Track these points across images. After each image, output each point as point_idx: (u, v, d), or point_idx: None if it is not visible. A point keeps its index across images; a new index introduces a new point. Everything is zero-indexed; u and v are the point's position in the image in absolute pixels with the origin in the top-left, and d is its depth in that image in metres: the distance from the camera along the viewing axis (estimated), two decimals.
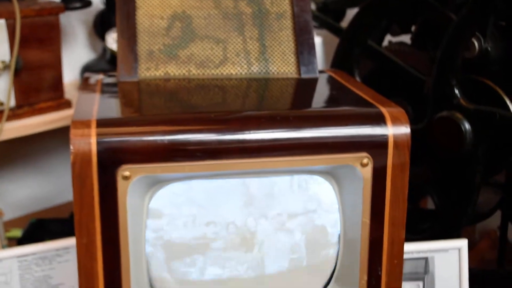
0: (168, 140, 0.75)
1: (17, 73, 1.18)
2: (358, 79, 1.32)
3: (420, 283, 1.08)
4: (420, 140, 1.23)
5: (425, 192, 1.39)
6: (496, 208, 1.35)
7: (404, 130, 0.80)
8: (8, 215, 1.45)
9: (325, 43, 1.53)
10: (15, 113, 1.20)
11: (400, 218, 0.83)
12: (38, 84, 1.22)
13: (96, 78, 0.96)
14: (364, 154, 0.79)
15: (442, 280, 1.09)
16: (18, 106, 1.21)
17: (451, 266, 1.09)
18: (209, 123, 0.77)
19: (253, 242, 0.82)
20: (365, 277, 0.83)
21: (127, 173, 0.74)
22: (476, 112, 1.14)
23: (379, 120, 0.80)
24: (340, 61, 1.33)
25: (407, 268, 1.08)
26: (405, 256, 1.07)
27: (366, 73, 1.36)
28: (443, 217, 1.25)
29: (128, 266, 0.77)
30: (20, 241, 1.29)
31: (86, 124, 0.75)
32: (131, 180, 0.75)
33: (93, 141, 0.73)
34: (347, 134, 0.79)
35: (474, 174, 1.18)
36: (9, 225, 1.38)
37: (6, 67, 1.15)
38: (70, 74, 1.53)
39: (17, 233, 1.30)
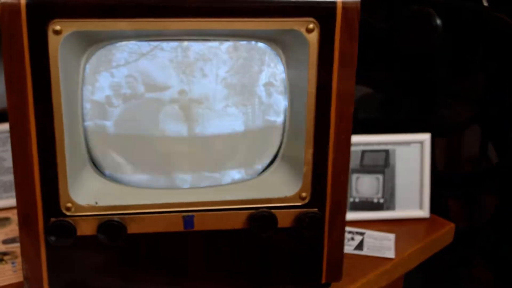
0: None
1: None
2: None
3: (380, 176, 1.05)
4: (389, 39, 1.19)
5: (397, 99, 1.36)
6: (470, 122, 1.32)
7: None
8: None
9: None
10: None
11: (348, 93, 0.79)
12: None
13: None
14: (311, 19, 0.76)
15: (403, 174, 1.06)
16: None
17: (412, 160, 1.06)
18: None
19: (194, 111, 0.79)
20: (311, 151, 0.81)
21: (58, 27, 0.71)
22: (446, 5, 1.10)
23: None
24: None
25: (366, 160, 1.05)
26: (364, 148, 1.05)
27: None
28: (409, 122, 1.23)
29: (62, 126, 0.74)
30: None
31: None
32: (63, 35, 0.72)
33: None
34: None
35: (439, 74, 1.15)
36: None
37: None
38: None
39: None
